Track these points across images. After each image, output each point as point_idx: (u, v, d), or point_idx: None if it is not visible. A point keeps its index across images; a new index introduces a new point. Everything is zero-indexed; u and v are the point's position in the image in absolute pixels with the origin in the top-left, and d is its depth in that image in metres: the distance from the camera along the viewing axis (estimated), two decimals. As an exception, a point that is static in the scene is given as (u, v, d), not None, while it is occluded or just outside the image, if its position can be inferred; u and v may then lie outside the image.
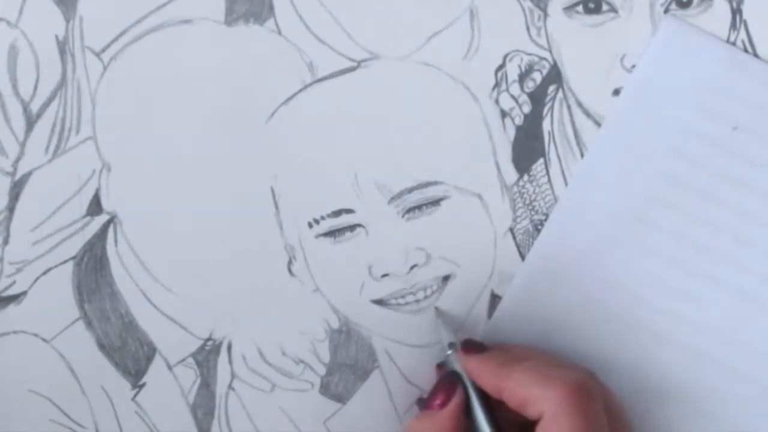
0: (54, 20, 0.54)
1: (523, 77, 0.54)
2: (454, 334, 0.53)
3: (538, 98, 0.54)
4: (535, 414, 0.48)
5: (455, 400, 0.50)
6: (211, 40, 0.54)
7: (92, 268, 0.55)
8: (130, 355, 0.55)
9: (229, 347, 0.55)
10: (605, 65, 0.54)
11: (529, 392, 0.48)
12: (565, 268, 0.54)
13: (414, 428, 0.51)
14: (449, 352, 0.52)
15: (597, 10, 0.54)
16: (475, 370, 0.51)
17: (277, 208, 0.55)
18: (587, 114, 0.54)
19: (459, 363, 0.51)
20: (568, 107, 0.54)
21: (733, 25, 0.53)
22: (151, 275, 0.55)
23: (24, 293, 0.55)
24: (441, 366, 0.53)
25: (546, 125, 0.54)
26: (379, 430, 0.55)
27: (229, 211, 0.55)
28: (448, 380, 0.51)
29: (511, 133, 0.55)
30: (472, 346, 0.52)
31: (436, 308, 0.55)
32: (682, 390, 0.54)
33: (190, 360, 0.55)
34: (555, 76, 0.54)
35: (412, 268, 0.55)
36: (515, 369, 0.49)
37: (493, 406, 0.51)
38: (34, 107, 0.55)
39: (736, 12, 0.53)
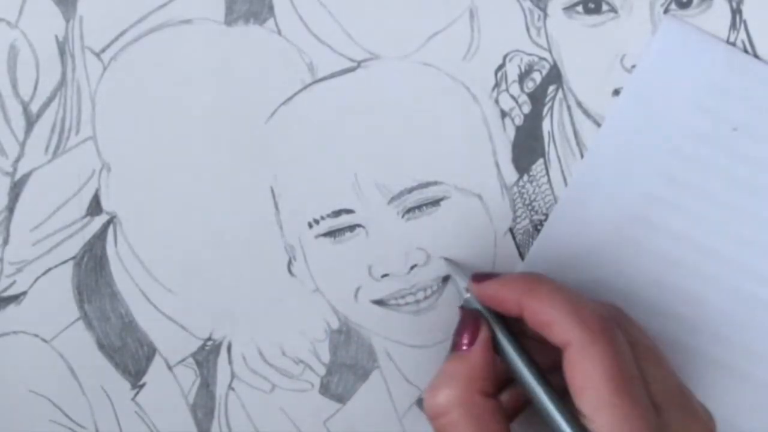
0: (54, 20, 0.54)
1: (523, 77, 0.54)
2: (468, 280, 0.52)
3: (538, 98, 0.54)
4: (559, 340, 0.46)
5: (482, 336, 0.49)
6: (211, 40, 0.54)
7: (92, 268, 0.55)
8: (130, 355, 0.55)
9: (229, 347, 0.55)
10: (605, 65, 0.54)
11: (556, 316, 0.47)
12: (565, 268, 0.54)
13: (446, 371, 0.49)
14: (467, 295, 0.51)
15: (597, 10, 0.54)
16: (492, 292, 0.49)
17: (277, 208, 0.55)
18: (587, 114, 0.54)
19: (477, 302, 0.50)
20: (568, 107, 0.54)
21: (733, 25, 0.53)
22: (151, 275, 0.55)
23: (24, 293, 0.55)
24: (463, 309, 0.52)
25: (546, 125, 0.54)
26: (379, 430, 0.55)
27: (229, 211, 0.55)
28: (471, 317, 0.50)
29: (511, 133, 0.55)
30: (482, 276, 0.50)
31: (446, 259, 0.54)
32: (682, 390, 0.54)
33: (190, 360, 0.55)
34: (555, 76, 0.54)
35: (412, 268, 0.55)
36: (539, 288, 0.48)
37: (519, 337, 0.50)
38: (34, 107, 0.55)
39: (736, 12, 0.53)
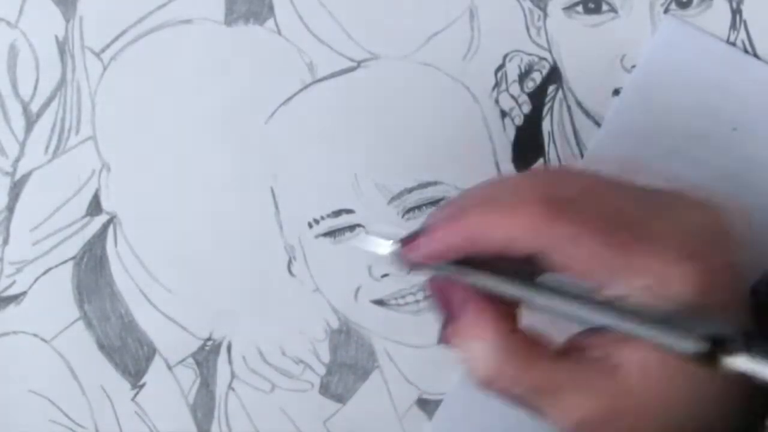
0: (54, 20, 0.54)
1: (522, 77, 0.54)
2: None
3: (538, 98, 0.54)
4: (527, 252, 0.42)
5: (470, 297, 0.44)
6: (211, 40, 0.54)
7: (92, 268, 0.55)
8: (130, 355, 0.55)
9: (229, 347, 0.55)
10: (605, 65, 0.54)
11: (503, 237, 0.42)
12: (565, 268, 0.54)
13: (476, 351, 0.43)
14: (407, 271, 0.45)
15: (597, 10, 0.54)
16: (428, 252, 0.44)
17: (277, 208, 0.55)
18: (587, 114, 0.54)
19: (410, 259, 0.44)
20: (568, 107, 0.54)
21: (733, 25, 0.53)
22: (151, 275, 0.55)
23: (24, 293, 0.55)
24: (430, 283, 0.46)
25: (546, 125, 0.54)
26: (379, 430, 0.55)
27: (229, 211, 0.55)
28: (437, 291, 0.45)
29: (511, 133, 0.55)
30: (410, 236, 0.45)
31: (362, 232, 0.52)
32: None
33: (190, 360, 0.55)
34: (555, 76, 0.54)
35: (412, 268, 0.54)
36: (467, 218, 0.43)
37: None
38: (34, 107, 0.55)
39: (736, 12, 0.53)
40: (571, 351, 0.44)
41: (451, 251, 0.44)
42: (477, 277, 0.44)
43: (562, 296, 0.43)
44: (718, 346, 0.40)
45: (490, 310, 0.43)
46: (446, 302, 0.45)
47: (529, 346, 0.43)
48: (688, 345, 0.41)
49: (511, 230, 0.42)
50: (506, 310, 0.44)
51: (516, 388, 0.43)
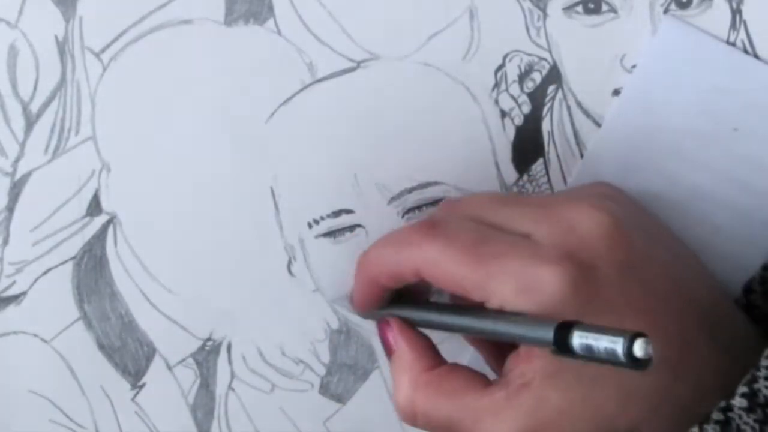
0: (54, 20, 0.54)
1: (522, 77, 0.54)
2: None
3: (537, 98, 0.54)
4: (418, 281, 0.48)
5: (395, 332, 0.50)
6: (211, 40, 0.54)
7: (92, 269, 0.55)
8: (130, 355, 0.55)
9: (229, 347, 0.55)
10: (605, 65, 0.54)
11: (401, 275, 0.48)
12: (565, 268, 0.54)
13: (394, 380, 0.50)
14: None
15: (597, 11, 0.54)
16: (359, 300, 0.52)
17: (277, 208, 0.55)
18: (587, 114, 0.54)
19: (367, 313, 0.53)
20: (568, 107, 0.54)
21: (733, 26, 0.53)
22: (151, 275, 0.55)
23: (24, 293, 0.55)
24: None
25: (546, 125, 0.54)
26: (379, 430, 0.55)
27: (229, 211, 0.55)
28: (378, 326, 0.52)
29: (511, 133, 0.55)
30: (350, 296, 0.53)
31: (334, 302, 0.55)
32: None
33: (190, 360, 0.55)
34: (555, 76, 0.54)
35: (412, 268, 0.54)
36: (367, 273, 0.50)
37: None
38: (34, 107, 0.54)
39: (736, 12, 0.53)
40: (493, 380, 0.47)
41: (371, 298, 0.51)
42: (409, 313, 0.50)
43: (451, 314, 0.48)
44: (566, 330, 0.40)
45: (411, 349, 0.49)
46: (384, 340, 0.51)
47: (442, 382, 0.48)
48: (545, 334, 0.41)
49: (391, 262, 0.48)
50: (428, 347, 0.50)
51: (431, 422, 0.47)
